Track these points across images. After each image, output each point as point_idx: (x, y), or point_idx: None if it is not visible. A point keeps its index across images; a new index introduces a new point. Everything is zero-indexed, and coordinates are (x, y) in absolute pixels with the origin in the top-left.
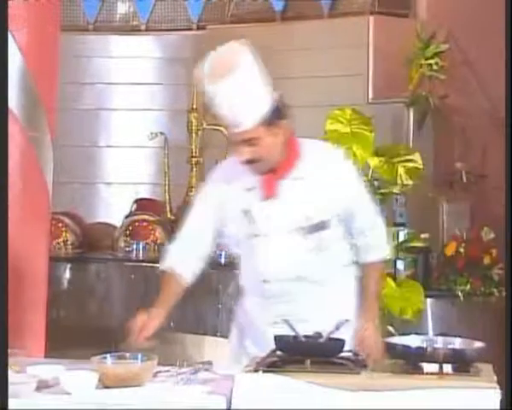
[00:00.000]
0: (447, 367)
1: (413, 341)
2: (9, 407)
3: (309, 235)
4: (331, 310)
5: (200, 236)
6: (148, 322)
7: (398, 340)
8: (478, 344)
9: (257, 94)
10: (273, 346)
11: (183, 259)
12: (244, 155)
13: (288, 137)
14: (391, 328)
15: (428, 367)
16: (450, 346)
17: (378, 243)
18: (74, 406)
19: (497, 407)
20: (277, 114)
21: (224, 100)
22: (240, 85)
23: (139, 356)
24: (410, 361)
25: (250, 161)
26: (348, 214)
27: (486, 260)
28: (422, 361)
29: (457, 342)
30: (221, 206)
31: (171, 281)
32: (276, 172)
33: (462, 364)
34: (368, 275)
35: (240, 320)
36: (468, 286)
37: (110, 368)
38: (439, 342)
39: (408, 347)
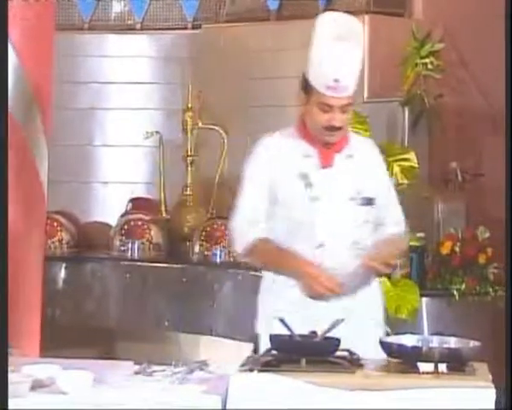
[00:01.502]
0: (442, 366)
1: (408, 340)
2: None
3: (359, 207)
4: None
5: (261, 206)
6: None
7: (393, 339)
8: (473, 343)
9: (361, 62)
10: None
11: (254, 228)
12: (336, 121)
13: None
14: (386, 327)
15: (424, 367)
16: (445, 345)
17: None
18: (70, 405)
19: (492, 405)
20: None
21: (342, 62)
22: (357, 52)
23: None
24: (405, 360)
25: (337, 128)
26: (381, 199)
27: (482, 260)
28: (418, 361)
29: (453, 342)
30: (276, 171)
31: (269, 242)
32: (331, 146)
33: (457, 363)
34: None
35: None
36: (464, 285)
37: None
38: (435, 341)
39: (404, 346)
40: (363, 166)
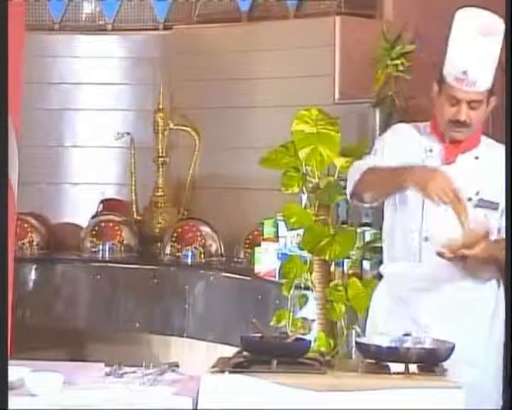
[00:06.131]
0: (413, 367)
1: (382, 341)
2: None
3: (475, 208)
4: None
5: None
6: None
7: (367, 340)
8: (449, 343)
9: (496, 60)
10: None
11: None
12: (462, 115)
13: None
14: (357, 328)
15: (395, 367)
16: (419, 345)
17: None
18: (39, 407)
19: (462, 406)
20: (493, 88)
21: (478, 56)
22: (494, 49)
23: None
24: (382, 361)
25: (462, 124)
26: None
27: None
28: (396, 362)
29: (428, 342)
30: (398, 157)
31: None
32: (459, 145)
33: (433, 364)
34: None
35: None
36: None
37: None
38: (409, 341)
39: (381, 347)
40: (489, 169)
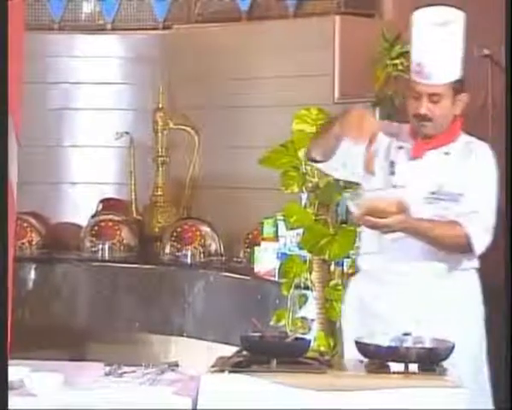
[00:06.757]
0: (413, 367)
1: (382, 340)
2: None
3: (437, 201)
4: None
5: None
6: None
7: (368, 340)
8: (449, 343)
9: (458, 54)
10: None
11: None
12: (422, 108)
13: (459, 114)
14: None
15: (395, 367)
16: (419, 345)
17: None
18: (39, 407)
19: (463, 406)
20: (461, 85)
21: (431, 47)
22: (451, 40)
23: None
24: (382, 361)
25: (423, 117)
26: (468, 201)
27: None
28: (396, 361)
29: (427, 341)
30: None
31: None
32: (429, 142)
33: (433, 363)
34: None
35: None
36: None
37: None
38: (409, 341)
39: (380, 347)
40: (459, 165)
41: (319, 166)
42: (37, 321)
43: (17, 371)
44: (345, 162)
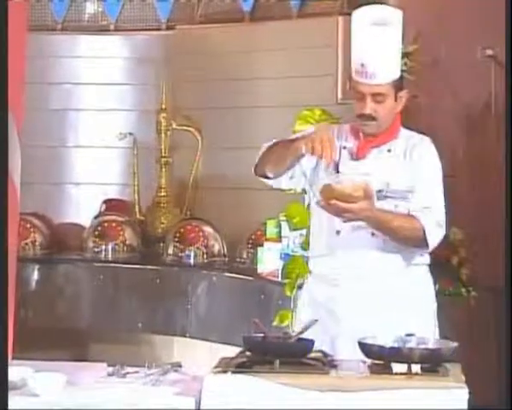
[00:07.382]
0: (416, 367)
1: (385, 341)
2: None
3: (385, 198)
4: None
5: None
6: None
7: (372, 340)
8: (452, 344)
9: (398, 53)
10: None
11: None
12: (366, 109)
13: (399, 111)
14: None
15: (397, 367)
16: (422, 346)
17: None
18: (42, 407)
19: (465, 406)
20: (401, 82)
21: (373, 47)
22: (391, 39)
23: None
24: (385, 362)
25: (368, 117)
26: (418, 195)
27: (454, 261)
28: (398, 362)
29: (431, 342)
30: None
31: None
32: (372, 140)
33: (436, 364)
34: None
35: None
36: (437, 286)
37: None
38: (412, 341)
39: (383, 347)
40: (402, 160)
41: (267, 181)
42: (40, 322)
43: (20, 371)
44: (300, 174)
